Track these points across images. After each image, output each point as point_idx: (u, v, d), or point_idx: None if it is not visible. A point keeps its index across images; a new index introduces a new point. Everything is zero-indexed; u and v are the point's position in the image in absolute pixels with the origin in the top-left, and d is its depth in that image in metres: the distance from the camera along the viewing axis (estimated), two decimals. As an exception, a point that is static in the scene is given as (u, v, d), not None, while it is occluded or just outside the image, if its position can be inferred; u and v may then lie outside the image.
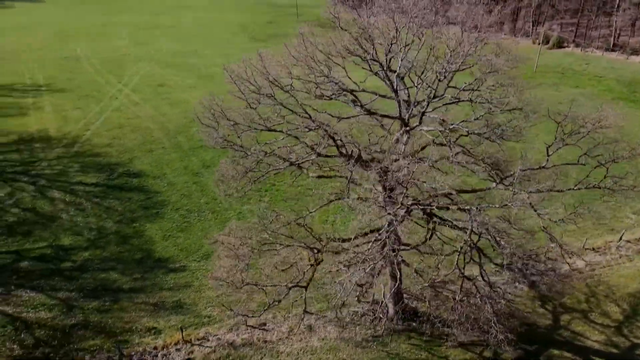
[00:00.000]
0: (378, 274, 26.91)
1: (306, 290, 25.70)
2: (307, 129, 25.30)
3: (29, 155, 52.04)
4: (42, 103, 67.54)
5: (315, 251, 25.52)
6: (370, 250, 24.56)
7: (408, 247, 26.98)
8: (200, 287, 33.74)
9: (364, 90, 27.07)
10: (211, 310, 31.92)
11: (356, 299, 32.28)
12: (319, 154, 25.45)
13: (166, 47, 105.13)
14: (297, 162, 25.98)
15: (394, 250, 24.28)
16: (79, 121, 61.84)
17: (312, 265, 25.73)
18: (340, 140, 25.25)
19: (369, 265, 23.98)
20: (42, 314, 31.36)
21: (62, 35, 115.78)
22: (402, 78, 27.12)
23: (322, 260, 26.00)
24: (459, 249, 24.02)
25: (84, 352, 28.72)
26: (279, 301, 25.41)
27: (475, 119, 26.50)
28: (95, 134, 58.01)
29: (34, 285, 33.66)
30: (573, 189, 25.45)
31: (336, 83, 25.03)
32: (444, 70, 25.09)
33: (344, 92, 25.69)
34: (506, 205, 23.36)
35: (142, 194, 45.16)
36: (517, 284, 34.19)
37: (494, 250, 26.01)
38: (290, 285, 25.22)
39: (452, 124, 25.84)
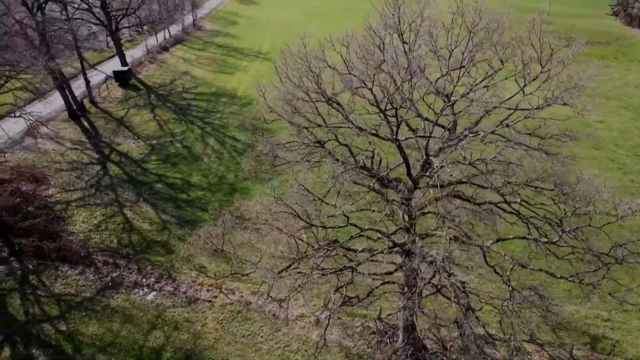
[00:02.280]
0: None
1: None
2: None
3: (213, 106, 64.09)
4: (250, 67, 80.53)
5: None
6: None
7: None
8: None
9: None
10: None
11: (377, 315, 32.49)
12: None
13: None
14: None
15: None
16: (265, 88, 72.18)
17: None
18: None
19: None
20: (145, 225, 40.63)
21: (309, 14, 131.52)
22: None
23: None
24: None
25: (150, 263, 36.63)
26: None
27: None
28: (270, 102, 67.22)
29: (153, 203, 43.42)
30: None
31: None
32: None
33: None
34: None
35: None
36: None
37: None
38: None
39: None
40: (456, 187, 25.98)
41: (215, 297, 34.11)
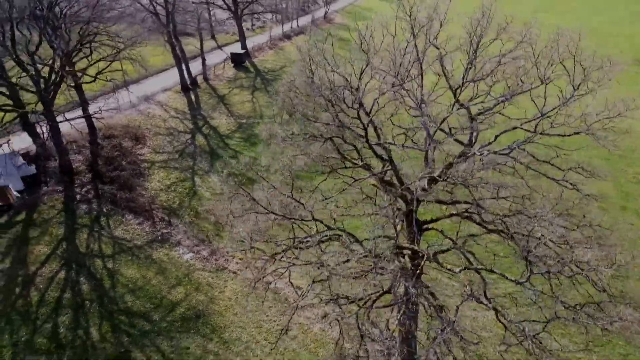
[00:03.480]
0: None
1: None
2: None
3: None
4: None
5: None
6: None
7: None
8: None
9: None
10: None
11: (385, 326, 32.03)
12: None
13: None
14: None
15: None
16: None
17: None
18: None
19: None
20: (206, 194, 44.80)
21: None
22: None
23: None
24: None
25: (198, 228, 40.45)
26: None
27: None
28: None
29: (221, 176, 47.46)
30: None
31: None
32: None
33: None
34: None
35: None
36: None
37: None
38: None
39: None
40: (467, 209, 24.52)
41: (241, 270, 36.58)
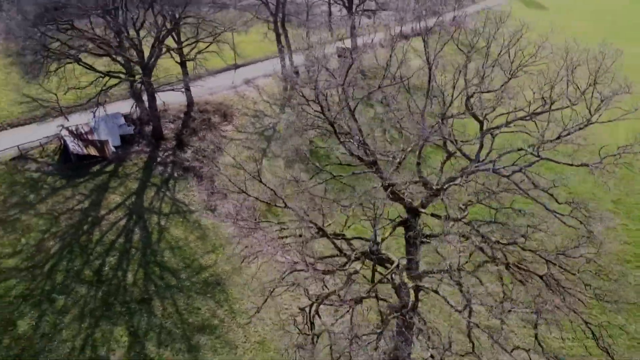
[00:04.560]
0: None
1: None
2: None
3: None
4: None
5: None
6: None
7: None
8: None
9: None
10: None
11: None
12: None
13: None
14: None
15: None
16: None
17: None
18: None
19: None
20: (269, 176, 47.22)
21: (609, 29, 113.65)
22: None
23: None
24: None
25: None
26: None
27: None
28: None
29: (290, 162, 49.49)
30: None
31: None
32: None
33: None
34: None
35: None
36: None
37: None
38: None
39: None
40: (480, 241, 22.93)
41: (271, 253, 38.17)
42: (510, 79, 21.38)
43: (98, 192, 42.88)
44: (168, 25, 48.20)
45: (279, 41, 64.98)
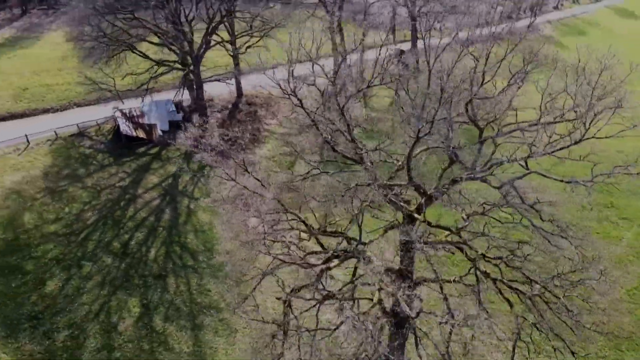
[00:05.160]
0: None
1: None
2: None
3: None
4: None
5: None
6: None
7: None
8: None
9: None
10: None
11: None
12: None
13: None
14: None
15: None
16: None
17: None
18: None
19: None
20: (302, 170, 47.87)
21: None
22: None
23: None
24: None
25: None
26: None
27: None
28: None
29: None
30: None
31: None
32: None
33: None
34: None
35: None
36: None
37: None
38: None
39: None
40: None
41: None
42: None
43: (139, 172, 45.80)
44: (218, 18, 50.32)
45: (334, 41, 65.43)
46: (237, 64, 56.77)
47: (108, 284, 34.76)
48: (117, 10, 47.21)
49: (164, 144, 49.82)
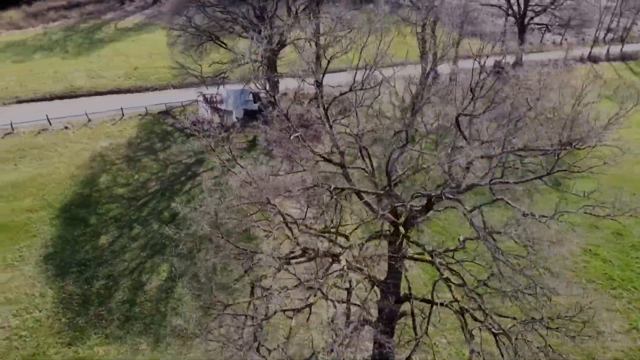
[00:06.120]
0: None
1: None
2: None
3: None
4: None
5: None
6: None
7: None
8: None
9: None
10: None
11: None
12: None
13: None
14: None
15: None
16: None
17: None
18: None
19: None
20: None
21: None
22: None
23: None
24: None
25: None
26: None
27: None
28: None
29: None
30: None
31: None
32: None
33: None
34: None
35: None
36: None
37: None
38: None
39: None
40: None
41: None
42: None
43: (192, 156, 49.86)
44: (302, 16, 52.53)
45: (423, 47, 64.09)
46: (318, 63, 58.60)
47: (149, 248, 38.96)
48: (211, 4, 51.93)
49: (236, 131, 53.52)
